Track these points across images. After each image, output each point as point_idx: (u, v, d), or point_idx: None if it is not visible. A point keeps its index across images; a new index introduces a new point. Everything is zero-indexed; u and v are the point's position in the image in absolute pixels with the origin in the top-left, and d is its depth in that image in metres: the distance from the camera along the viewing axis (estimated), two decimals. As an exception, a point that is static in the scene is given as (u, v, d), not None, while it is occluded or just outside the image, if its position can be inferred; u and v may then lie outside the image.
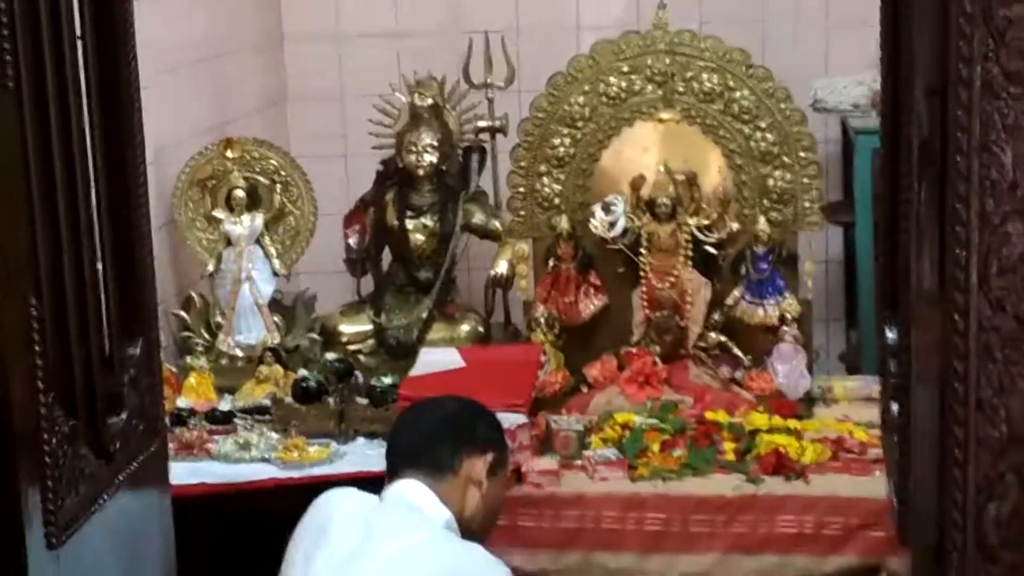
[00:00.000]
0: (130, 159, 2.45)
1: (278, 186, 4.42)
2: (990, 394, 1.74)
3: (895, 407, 2.23)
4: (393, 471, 2.90)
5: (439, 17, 5.34)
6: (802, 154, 4.15)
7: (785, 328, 4.10)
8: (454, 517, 2.83)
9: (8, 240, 2.02)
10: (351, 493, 2.95)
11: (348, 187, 4.77)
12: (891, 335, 2.34)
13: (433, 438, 2.89)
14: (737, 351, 4.16)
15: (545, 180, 4.25)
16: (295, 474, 3.70)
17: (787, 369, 4.07)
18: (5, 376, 2.00)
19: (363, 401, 3.94)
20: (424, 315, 4.45)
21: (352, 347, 4.43)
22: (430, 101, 4.43)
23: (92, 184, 2.32)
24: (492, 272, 4.50)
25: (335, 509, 2.86)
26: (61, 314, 2.17)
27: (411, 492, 2.83)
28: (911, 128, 1.88)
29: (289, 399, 3.96)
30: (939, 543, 1.85)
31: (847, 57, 5.00)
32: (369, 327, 4.47)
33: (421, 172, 4.43)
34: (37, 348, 2.07)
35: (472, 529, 2.88)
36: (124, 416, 2.38)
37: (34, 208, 2.09)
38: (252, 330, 4.35)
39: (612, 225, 4.14)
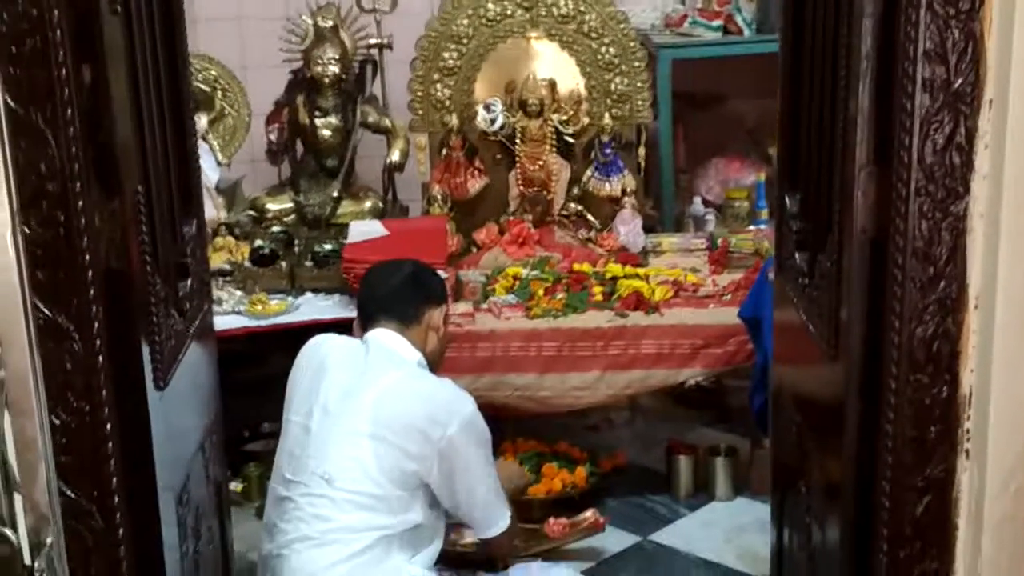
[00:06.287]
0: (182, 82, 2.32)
1: (219, 92, 4.23)
2: (922, 245, 1.77)
3: (799, 256, 2.26)
4: (368, 320, 2.80)
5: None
6: (636, 64, 4.13)
7: (625, 198, 4.11)
8: (422, 356, 2.80)
9: (127, 142, 1.91)
10: (340, 338, 2.85)
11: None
12: (791, 203, 2.36)
13: (400, 295, 2.80)
14: (590, 217, 4.17)
15: (438, 86, 4.15)
16: (263, 323, 3.60)
17: (627, 229, 4.09)
18: (128, 253, 1.90)
19: (308, 264, 3.84)
20: (335, 195, 4.31)
21: (275, 221, 4.26)
22: (331, 23, 4.26)
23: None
24: (388, 160, 4.34)
25: (329, 351, 2.77)
26: (149, 200, 2.05)
27: (387, 339, 2.74)
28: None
29: (247, 263, 3.83)
30: (867, 358, 1.89)
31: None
32: (290, 204, 4.30)
33: (327, 80, 4.25)
34: (144, 228, 1.96)
35: (432, 365, 2.84)
36: (190, 281, 2.29)
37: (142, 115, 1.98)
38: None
39: (492, 122, 4.08)
